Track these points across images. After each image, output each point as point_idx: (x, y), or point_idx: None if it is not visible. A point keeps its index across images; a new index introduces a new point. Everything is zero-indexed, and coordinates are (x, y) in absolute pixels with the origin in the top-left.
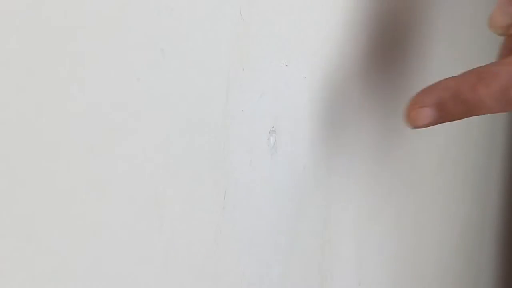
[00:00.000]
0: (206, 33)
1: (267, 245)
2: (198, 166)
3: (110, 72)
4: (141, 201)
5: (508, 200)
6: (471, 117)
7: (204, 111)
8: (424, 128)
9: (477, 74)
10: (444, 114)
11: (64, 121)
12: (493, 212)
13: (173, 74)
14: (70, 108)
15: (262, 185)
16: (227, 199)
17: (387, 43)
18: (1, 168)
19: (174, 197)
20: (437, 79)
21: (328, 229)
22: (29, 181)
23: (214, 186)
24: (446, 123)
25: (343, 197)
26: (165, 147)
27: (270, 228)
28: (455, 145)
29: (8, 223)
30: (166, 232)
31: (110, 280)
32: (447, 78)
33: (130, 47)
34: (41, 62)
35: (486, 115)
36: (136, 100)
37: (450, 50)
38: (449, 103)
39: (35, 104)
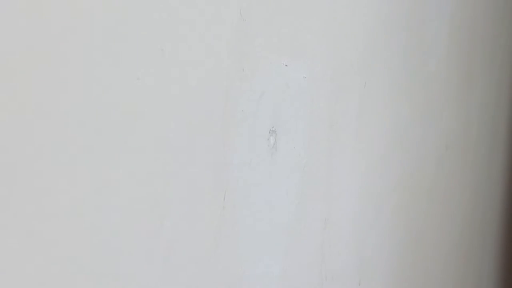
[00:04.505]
0: (206, 33)
1: (267, 245)
2: (198, 166)
3: (110, 71)
4: (141, 201)
5: (509, 199)
6: (470, 117)
7: (204, 111)
8: (423, 129)
9: None
10: None
11: (64, 121)
12: (494, 211)
13: (173, 74)
14: (70, 107)
15: (262, 185)
16: (227, 199)
17: (386, 43)
18: (1, 168)
19: (174, 197)
20: (437, 78)
21: (328, 229)
22: (29, 182)
23: (214, 186)
24: (446, 123)
25: (343, 197)
26: (165, 147)
27: (270, 228)
28: (455, 145)
29: (9, 223)
30: (166, 232)
31: (110, 279)
32: None
33: (130, 47)
34: (41, 62)
35: (486, 115)
36: (136, 100)
37: (451, 49)
38: None
39: (35, 104)
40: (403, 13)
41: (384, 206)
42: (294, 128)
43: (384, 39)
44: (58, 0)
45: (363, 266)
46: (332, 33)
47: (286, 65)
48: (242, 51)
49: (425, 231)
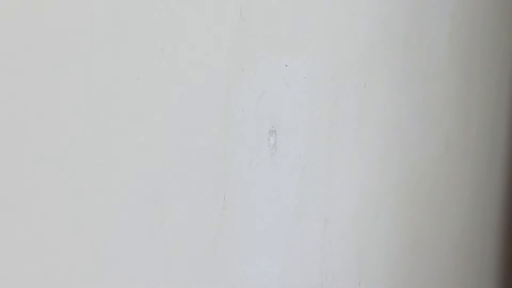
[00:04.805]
0: (206, 33)
1: (267, 245)
2: (198, 166)
3: (110, 71)
4: (141, 201)
5: (509, 199)
6: (470, 117)
7: (204, 111)
8: (423, 129)
9: None
10: None
11: (64, 121)
12: (494, 211)
13: (173, 74)
14: (70, 107)
15: (262, 185)
16: (227, 199)
17: (386, 43)
18: (1, 168)
19: (174, 197)
20: (437, 78)
21: (328, 229)
22: (29, 181)
23: (214, 186)
24: (446, 123)
25: (343, 197)
26: (165, 147)
27: (270, 228)
28: (455, 145)
29: (9, 223)
30: (166, 232)
31: (110, 279)
32: None
33: (130, 47)
34: (41, 62)
35: (486, 115)
36: (136, 100)
37: (451, 49)
38: None
39: (35, 104)
40: (403, 13)
41: (384, 206)
42: (294, 128)
43: (384, 39)
44: (58, 0)
45: (363, 266)
46: (332, 33)
47: (286, 65)
48: (242, 51)
49: (425, 231)
